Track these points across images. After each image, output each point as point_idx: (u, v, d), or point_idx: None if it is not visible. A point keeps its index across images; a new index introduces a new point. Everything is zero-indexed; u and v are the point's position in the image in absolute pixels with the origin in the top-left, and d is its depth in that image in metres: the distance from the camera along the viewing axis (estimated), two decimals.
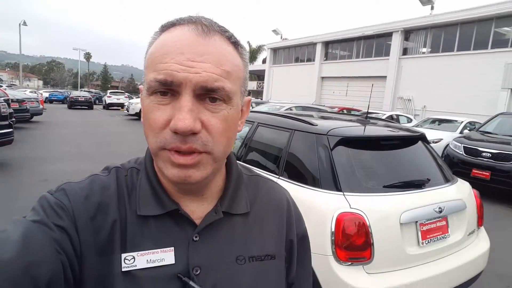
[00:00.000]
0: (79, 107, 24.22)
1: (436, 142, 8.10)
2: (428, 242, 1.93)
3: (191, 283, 0.51)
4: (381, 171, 2.13)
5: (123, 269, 0.50)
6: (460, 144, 6.29)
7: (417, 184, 2.07)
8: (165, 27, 0.51)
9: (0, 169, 5.76)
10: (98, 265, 0.50)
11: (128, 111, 18.73)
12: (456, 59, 15.60)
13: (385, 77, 18.51)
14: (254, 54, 38.75)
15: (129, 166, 0.60)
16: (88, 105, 24.35)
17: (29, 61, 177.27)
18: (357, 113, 10.82)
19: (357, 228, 1.74)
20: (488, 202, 5.48)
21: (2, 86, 16.32)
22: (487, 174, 5.61)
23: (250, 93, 32.82)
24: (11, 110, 7.05)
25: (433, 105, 16.05)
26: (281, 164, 2.28)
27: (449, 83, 15.56)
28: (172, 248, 0.53)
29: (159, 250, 0.53)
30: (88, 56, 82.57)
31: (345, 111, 10.85)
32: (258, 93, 32.91)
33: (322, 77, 23.30)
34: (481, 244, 2.28)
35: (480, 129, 7.13)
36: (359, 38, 20.68)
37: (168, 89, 0.47)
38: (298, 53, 26.23)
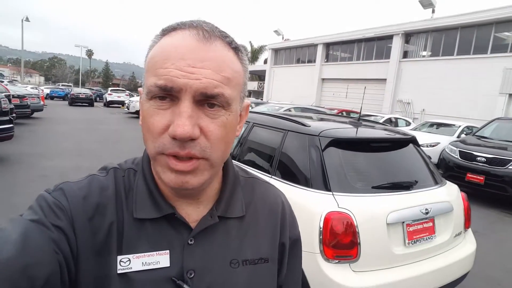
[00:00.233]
0: (80, 104, 24.32)
1: (433, 146, 8.15)
2: (414, 242, 1.98)
3: (185, 286, 0.52)
4: (371, 172, 2.17)
5: (118, 271, 0.51)
6: (455, 148, 6.33)
7: (405, 186, 2.12)
8: (166, 31, 0.50)
9: (0, 164, 5.81)
10: (94, 267, 0.50)
11: (128, 109, 18.84)
12: (456, 63, 15.63)
13: (385, 79, 18.54)
14: (255, 54, 38.77)
15: (126, 167, 0.59)
16: (88, 102, 24.53)
17: (31, 57, 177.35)
18: (355, 115, 10.85)
19: (344, 227, 1.79)
20: (482, 206, 5.52)
21: (3, 82, 16.35)
22: (482, 178, 5.65)
23: (250, 93, 32.85)
24: (12, 106, 7.09)
25: (432, 109, 16.11)
26: (274, 164, 2.32)
27: (449, 87, 15.61)
28: (168, 251, 0.53)
29: (154, 253, 0.53)
30: (90, 53, 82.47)
31: (344, 113, 10.89)
32: (258, 94, 32.90)
33: (323, 79, 23.32)
34: (467, 246, 2.32)
35: (476, 134, 7.16)
36: (360, 40, 20.70)
37: (167, 94, 0.47)
38: (299, 54, 26.23)
